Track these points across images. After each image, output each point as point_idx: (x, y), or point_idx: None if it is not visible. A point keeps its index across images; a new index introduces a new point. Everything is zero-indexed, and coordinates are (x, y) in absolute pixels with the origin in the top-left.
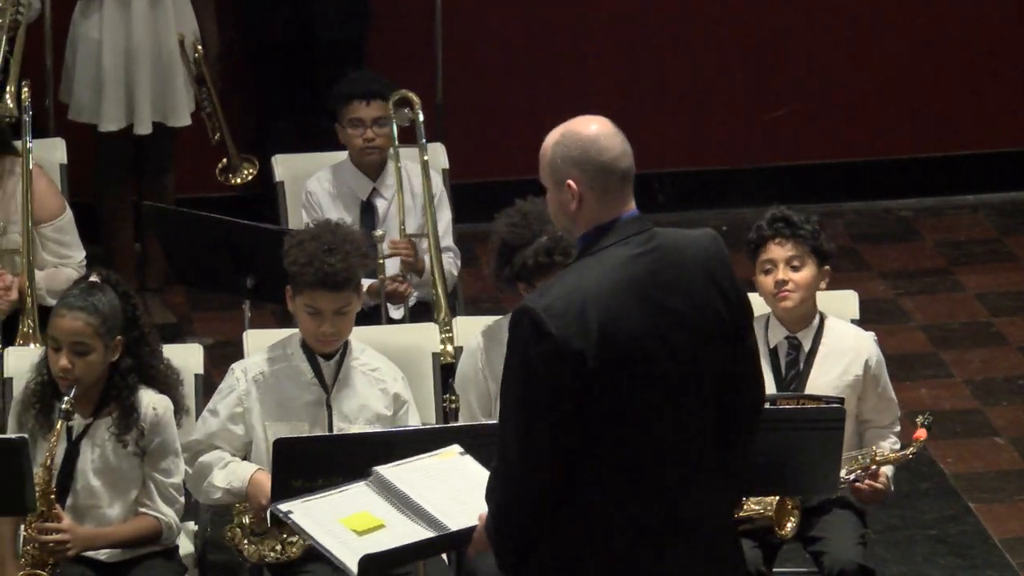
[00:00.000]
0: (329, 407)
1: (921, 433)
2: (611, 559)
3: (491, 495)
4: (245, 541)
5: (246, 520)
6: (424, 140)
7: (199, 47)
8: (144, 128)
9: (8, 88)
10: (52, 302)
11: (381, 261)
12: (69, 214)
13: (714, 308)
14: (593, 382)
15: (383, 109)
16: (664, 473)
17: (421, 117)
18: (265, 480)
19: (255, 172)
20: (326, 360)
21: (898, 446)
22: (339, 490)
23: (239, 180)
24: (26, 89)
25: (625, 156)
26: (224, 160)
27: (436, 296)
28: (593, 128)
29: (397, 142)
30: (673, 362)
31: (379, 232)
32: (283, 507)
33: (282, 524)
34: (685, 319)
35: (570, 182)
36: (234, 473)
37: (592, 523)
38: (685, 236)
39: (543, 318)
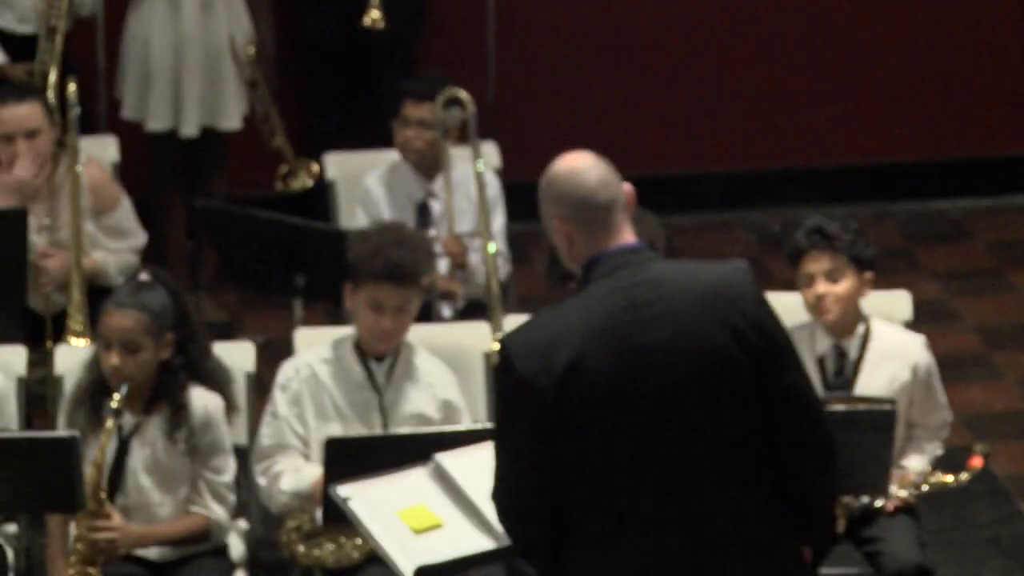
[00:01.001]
0: (382, 409)
1: (977, 461)
2: None
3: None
4: (300, 544)
5: (301, 522)
6: (476, 138)
7: (250, 49)
8: (190, 130)
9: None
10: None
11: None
12: (126, 201)
13: (713, 344)
14: (559, 421)
15: (431, 111)
16: (653, 512)
17: (472, 115)
18: None
19: (315, 176)
20: (378, 363)
21: (940, 451)
22: (398, 475)
23: (299, 186)
24: (72, 85)
25: (604, 188)
26: (284, 167)
27: (491, 297)
28: (568, 165)
29: (444, 141)
30: (649, 400)
31: (432, 232)
32: (342, 492)
33: (337, 525)
34: (666, 355)
35: (556, 222)
36: (300, 478)
37: (587, 564)
38: (689, 270)
39: (511, 354)
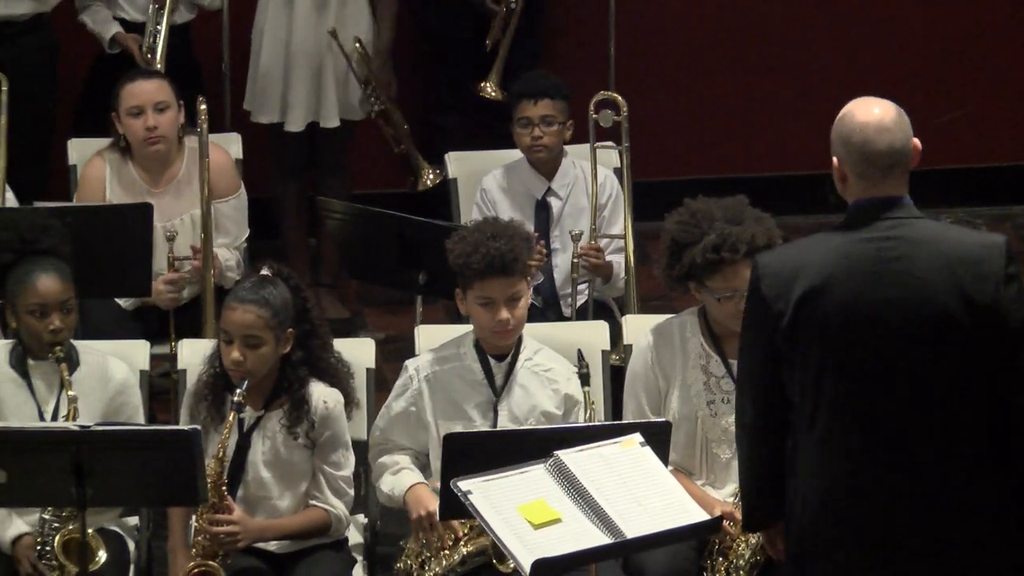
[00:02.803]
0: (495, 410)
1: None
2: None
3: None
4: (415, 567)
5: (411, 544)
6: (626, 143)
7: (358, 46)
8: (295, 126)
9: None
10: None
11: (575, 260)
12: (243, 193)
13: (946, 312)
14: (788, 344)
15: (551, 108)
16: (851, 451)
17: (625, 117)
18: (423, 492)
19: (440, 176)
20: (498, 361)
21: None
22: (519, 470)
23: (427, 185)
24: (204, 107)
25: (889, 141)
26: (412, 176)
27: (627, 299)
28: (867, 115)
29: (594, 142)
30: (870, 352)
31: (576, 231)
32: (463, 485)
33: (450, 534)
34: (896, 312)
35: (835, 160)
36: (398, 482)
37: (809, 468)
38: (945, 235)
39: (760, 274)
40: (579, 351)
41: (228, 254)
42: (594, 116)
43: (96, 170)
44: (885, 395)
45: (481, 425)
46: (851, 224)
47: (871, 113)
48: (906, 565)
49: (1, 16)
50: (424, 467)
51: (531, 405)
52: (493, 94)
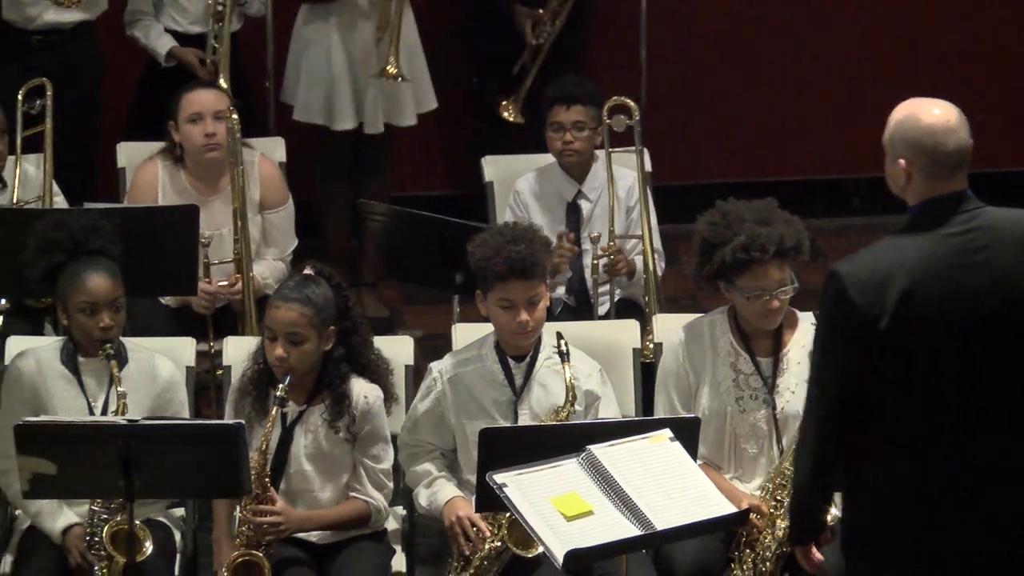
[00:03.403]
0: (516, 410)
1: None
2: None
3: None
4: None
5: (456, 564)
6: (641, 146)
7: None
8: (374, 128)
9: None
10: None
11: (595, 261)
12: (291, 204)
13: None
14: (886, 347)
15: (582, 113)
16: (955, 440)
17: (637, 122)
18: (459, 503)
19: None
20: (517, 362)
21: None
22: (552, 464)
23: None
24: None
25: (958, 149)
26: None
27: (649, 297)
28: (932, 117)
29: (608, 146)
30: (969, 339)
31: (595, 234)
32: (498, 478)
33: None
34: (987, 298)
35: (901, 162)
36: (435, 495)
37: (883, 475)
38: (1017, 220)
39: (846, 284)
40: (558, 332)
41: (266, 270)
42: (608, 121)
43: (149, 174)
44: (991, 382)
45: (502, 424)
46: (926, 223)
47: (935, 115)
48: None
49: (49, 24)
50: (451, 464)
51: (551, 403)
52: (511, 117)
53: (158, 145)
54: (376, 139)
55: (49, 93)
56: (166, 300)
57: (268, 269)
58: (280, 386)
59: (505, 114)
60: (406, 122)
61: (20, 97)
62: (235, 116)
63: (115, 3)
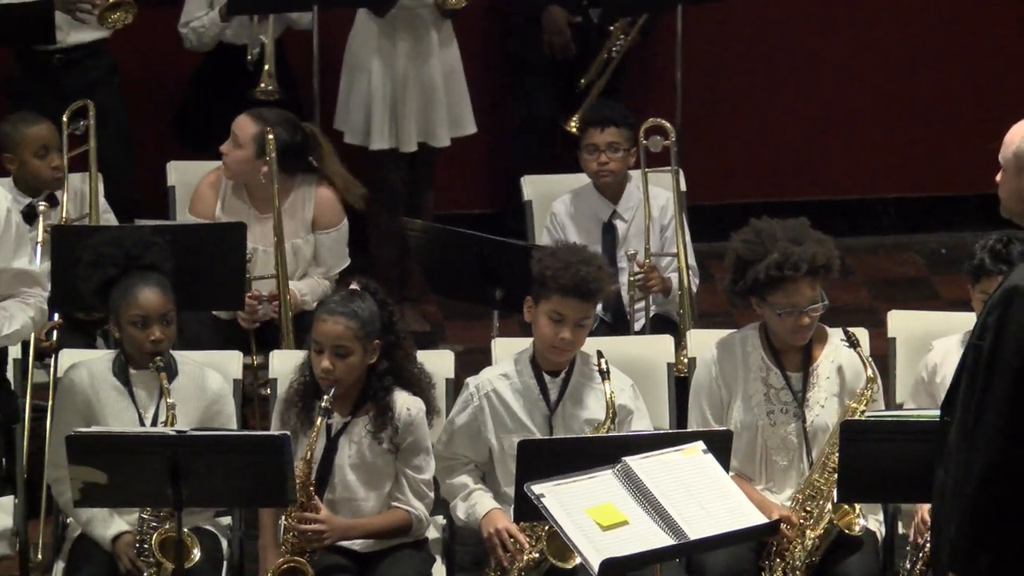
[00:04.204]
0: (550, 424)
1: None
2: None
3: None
4: None
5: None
6: (677, 166)
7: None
8: (407, 147)
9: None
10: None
11: (631, 279)
12: (345, 225)
13: None
14: None
15: (617, 135)
16: None
17: (673, 143)
18: (497, 515)
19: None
20: (552, 377)
21: None
22: (588, 475)
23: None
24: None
25: None
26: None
27: (684, 314)
28: None
29: (645, 167)
30: None
31: (631, 251)
32: (536, 489)
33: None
34: None
35: None
36: (473, 507)
37: None
38: None
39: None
40: (598, 351)
41: (306, 288)
42: (644, 142)
43: (211, 184)
44: None
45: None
46: None
47: None
48: None
49: (70, 43)
50: (484, 476)
51: (586, 417)
52: (576, 131)
53: (206, 164)
54: (420, 158)
55: (92, 113)
56: (219, 312)
57: (308, 286)
58: (325, 397)
59: (569, 128)
60: (440, 143)
61: (65, 119)
62: (271, 136)
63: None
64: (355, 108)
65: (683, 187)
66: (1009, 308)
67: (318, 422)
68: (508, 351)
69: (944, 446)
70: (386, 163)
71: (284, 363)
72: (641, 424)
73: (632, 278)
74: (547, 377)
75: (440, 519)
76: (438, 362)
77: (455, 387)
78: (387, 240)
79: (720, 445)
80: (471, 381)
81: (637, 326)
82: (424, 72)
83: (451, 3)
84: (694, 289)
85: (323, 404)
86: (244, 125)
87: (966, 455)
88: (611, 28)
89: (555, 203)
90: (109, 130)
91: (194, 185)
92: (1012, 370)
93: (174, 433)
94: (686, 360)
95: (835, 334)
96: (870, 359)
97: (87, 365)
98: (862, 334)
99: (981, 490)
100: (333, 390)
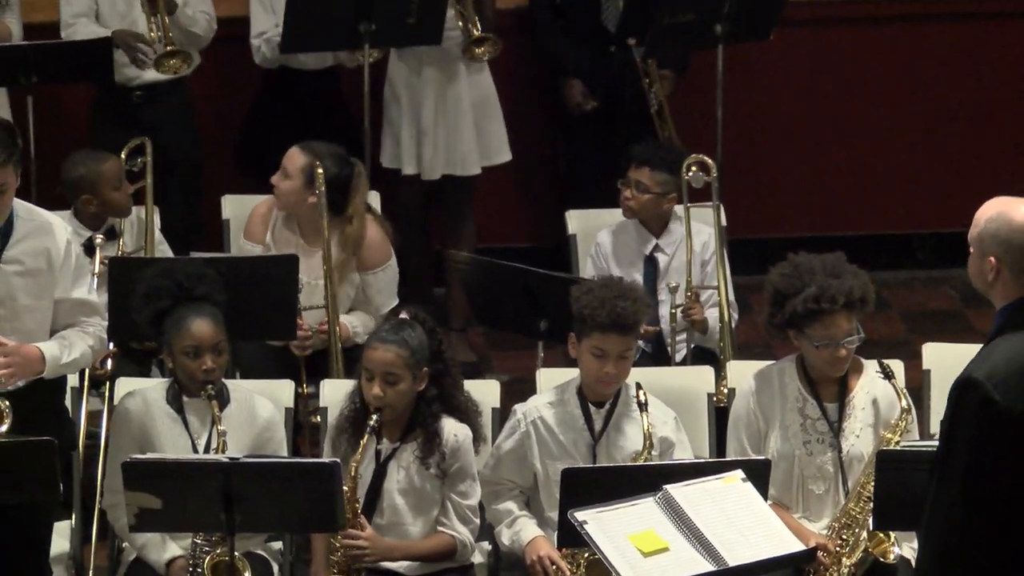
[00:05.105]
0: (594, 453)
1: None
2: None
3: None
4: None
5: None
6: (716, 201)
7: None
8: (430, 175)
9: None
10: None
11: (672, 311)
12: (394, 264)
13: None
14: None
15: (648, 177)
16: None
17: (715, 179)
18: (541, 542)
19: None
20: (597, 408)
21: None
22: (630, 503)
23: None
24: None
25: None
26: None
27: (724, 345)
28: (1020, 214)
29: (687, 201)
30: None
31: (672, 284)
32: (579, 516)
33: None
34: None
35: (991, 259)
36: (517, 534)
37: None
38: None
39: (988, 387)
40: (637, 383)
41: (357, 321)
42: (687, 177)
43: (265, 211)
44: None
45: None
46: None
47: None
48: None
49: (148, 81)
50: (528, 502)
51: (629, 448)
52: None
53: (260, 198)
54: (454, 187)
55: (149, 150)
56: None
57: (359, 319)
58: (373, 416)
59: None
60: (467, 171)
61: (123, 156)
62: (320, 171)
63: (207, 59)
64: (387, 135)
65: (723, 222)
66: (962, 400)
67: (364, 439)
68: (552, 381)
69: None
70: (407, 187)
71: (334, 392)
72: (683, 456)
73: (673, 310)
74: (592, 407)
75: (486, 544)
76: (485, 391)
77: (501, 416)
78: (418, 270)
79: (759, 474)
80: (519, 408)
81: (678, 357)
82: (451, 100)
83: (476, 53)
84: (733, 323)
85: (371, 423)
86: (294, 156)
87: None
88: (646, 81)
89: (600, 233)
90: (181, 167)
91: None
92: (963, 465)
93: (227, 460)
94: (726, 391)
95: (871, 366)
96: (904, 390)
97: (142, 393)
98: (897, 366)
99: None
100: (379, 413)
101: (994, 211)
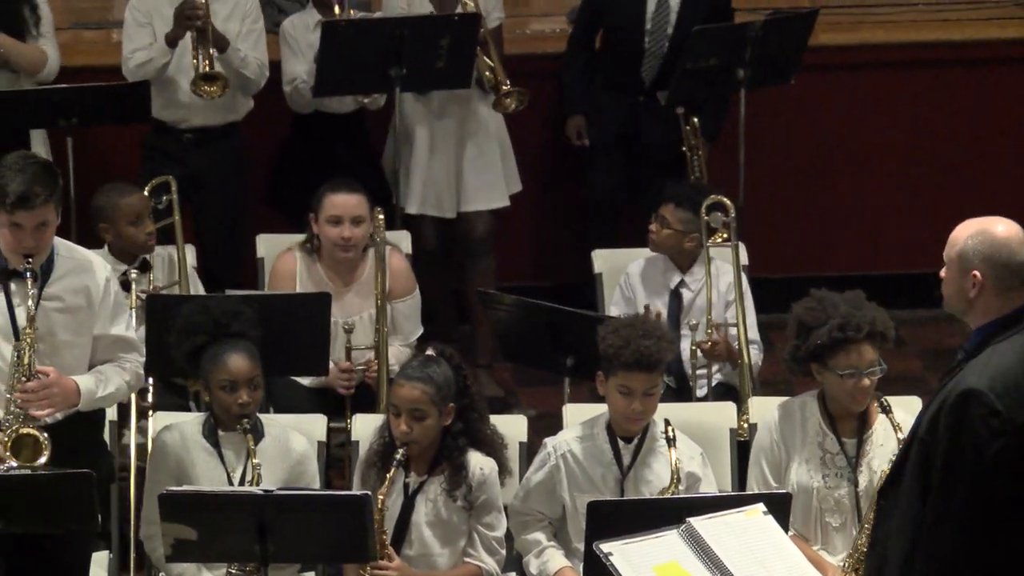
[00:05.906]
0: (622, 487)
1: None
2: None
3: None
4: None
5: None
6: (736, 240)
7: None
8: (445, 213)
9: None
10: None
11: (693, 348)
12: (417, 295)
13: None
14: None
15: (671, 213)
16: None
17: (734, 219)
18: (569, 574)
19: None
20: (626, 443)
21: None
22: (655, 535)
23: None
24: (381, 217)
25: None
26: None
27: (743, 381)
28: (1004, 230)
29: (706, 241)
30: None
31: (694, 322)
32: (604, 547)
33: None
34: None
35: (976, 273)
36: (545, 564)
37: None
38: None
39: (991, 397)
40: (665, 419)
41: (393, 356)
42: (706, 218)
43: (288, 265)
44: None
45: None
46: (1017, 331)
47: (1006, 228)
48: None
49: (199, 125)
50: (556, 533)
51: (656, 481)
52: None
53: (294, 237)
54: (474, 224)
55: (174, 188)
56: (305, 381)
57: (394, 354)
58: (400, 451)
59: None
60: (477, 207)
61: (147, 192)
62: (381, 217)
63: (259, 104)
64: (402, 174)
65: (744, 260)
66: (966, 411)
67: (391, 471)
68: (579, 416)
69: (878, 530)
70: (425, 227)
71: (365, 426)
72: (708, 491)
73: (694, 347)
74: (621, 443)
75: (513, 575)
76: (512, 426)
77: (528, 450)
78: (439, 307)
79: (780, 508)
80: (549, 441)
81: (700, 392)
82: (462, 139)
83: (505, 104)
84: (757, 362)
85: (397, 457)
86: (357, 202)
87: (926, 546)
88: (684, 148)
89: (631, 264)
90: (223, 209)
91: None
92: (970, 474)
93: (261, 492)
94: (747, 425)
95: (895, 403)
96: (900, 424)
97: (179, 427)
98: (914, 403)
99: None
100: (407, 447)
101: (974, 228)
